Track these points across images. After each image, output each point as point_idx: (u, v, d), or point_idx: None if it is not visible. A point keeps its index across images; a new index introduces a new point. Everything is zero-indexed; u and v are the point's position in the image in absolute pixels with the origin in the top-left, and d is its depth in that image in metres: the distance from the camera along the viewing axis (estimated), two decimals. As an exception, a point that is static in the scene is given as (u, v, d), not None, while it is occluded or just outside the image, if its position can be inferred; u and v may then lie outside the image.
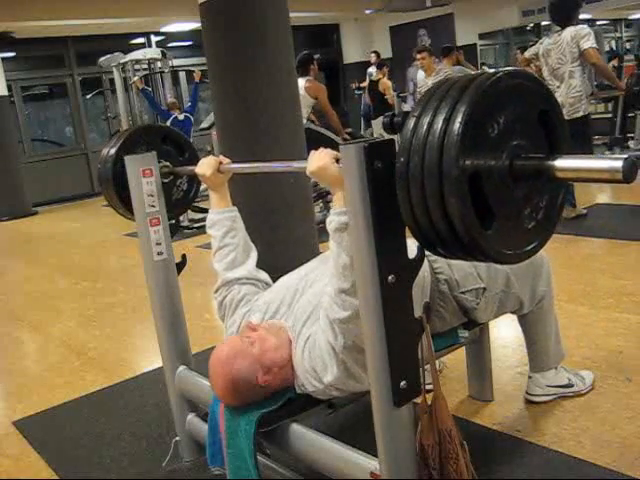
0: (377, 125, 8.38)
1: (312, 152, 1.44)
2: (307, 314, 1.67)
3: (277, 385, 1.66)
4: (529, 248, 1.16)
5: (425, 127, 1.05)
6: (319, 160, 1.41)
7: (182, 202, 2.11)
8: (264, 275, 1.98)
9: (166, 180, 2.06)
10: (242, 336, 1.69)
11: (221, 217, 1.91)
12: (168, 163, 2.07)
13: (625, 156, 0.96)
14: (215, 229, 1.91)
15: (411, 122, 1.08)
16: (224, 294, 1.91)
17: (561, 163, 1.05)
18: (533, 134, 1.13)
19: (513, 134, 1.09)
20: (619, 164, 0.96)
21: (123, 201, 2.07)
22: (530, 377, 2.24)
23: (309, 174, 1.43)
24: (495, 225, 1.08)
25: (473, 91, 1.03)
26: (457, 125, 1.01)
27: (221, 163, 1.84)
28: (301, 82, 5.58)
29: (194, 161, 1.93)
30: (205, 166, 1.85)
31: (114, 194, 2.07)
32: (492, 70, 1.09)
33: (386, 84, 8.97)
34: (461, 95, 1.04)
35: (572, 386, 2.23)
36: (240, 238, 1.93)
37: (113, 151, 2.06)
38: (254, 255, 1.97)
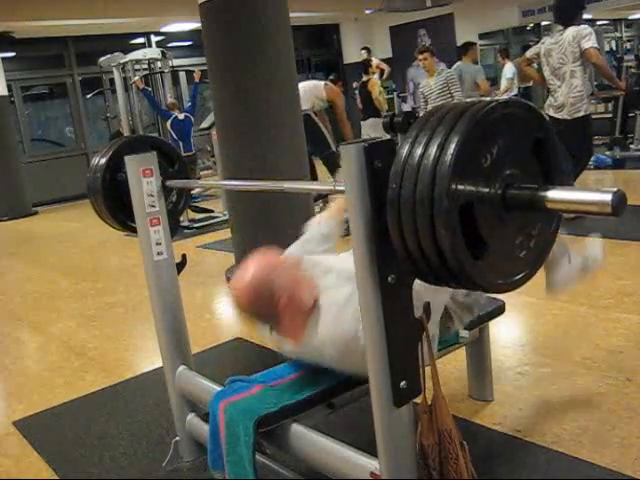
0: (365, 127, 8.12)
1: None
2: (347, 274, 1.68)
3: (284, 326, 1.71)
4: (520, 277, 1.16)
5: (418, 156, 1.04)
6: None
7: (171, 213, 2.10)
8: None
9: None
10: (296, 267, 1.76)
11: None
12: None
13: (615, 190, 0.96)
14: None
15: (404, 150, 1.07)
16: None
17: (552, 195, 1.04)
18: (527, 163, 1.13)
19: (506, 163, 1.08)
20: (609, 198, 0.96)
21: (111, 211, 2.08)
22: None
23: None
24: (486, 255, 1.08)
25: (467, 120, 1.03)
26: (449, 156, 1.01)
27: None
28: (318, 83, 5.79)
29: (184, 172, 1.91)
30: None
31: (102, 204, 2.07)
32: (487, 99, 1.09)
33: (374, 83, 8.10)
34: (455, 124, 1.03)
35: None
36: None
37: (103, 161, 2.06)
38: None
